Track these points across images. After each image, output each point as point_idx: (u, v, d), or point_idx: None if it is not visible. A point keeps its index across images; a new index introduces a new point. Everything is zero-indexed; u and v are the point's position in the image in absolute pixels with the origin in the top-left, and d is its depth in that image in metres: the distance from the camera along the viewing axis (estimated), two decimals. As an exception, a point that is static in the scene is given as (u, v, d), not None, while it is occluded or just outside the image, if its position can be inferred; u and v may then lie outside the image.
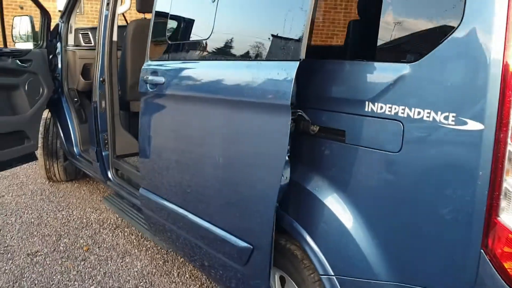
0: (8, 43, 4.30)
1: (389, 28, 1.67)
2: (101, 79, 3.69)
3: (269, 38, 1.89)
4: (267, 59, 1.86)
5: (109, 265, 3.36)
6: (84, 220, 4.12)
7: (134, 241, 3.74)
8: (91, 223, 4.05)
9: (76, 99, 4.65)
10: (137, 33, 3.77)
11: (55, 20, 4.66)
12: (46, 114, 4.79)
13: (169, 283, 3.14)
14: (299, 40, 1.70)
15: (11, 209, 4.31)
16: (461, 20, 1.46)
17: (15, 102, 4.08)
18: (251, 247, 2.00)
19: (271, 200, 1.83)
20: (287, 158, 1.81)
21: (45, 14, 4.48)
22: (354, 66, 1.77)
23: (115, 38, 3.66)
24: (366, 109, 1.71)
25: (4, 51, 3.95)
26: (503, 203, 1.43)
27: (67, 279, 3.16)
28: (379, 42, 1.68)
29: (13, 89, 4.05)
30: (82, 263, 3.38)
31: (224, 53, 2.13)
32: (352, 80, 1.77)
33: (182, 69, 2.38)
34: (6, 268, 3.26)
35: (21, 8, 10.64)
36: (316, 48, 3.83)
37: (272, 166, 1.82)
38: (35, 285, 3.08)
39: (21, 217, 4.14)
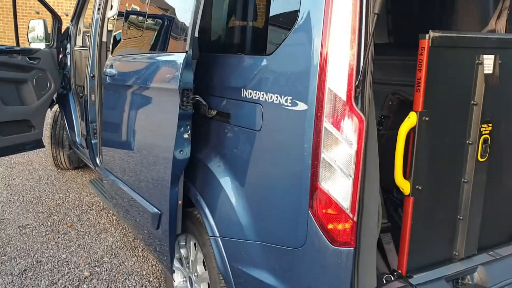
0: (21, 43, 4.86)
1: (257, 27, 1.99)
2: (91, 75, 4.14)
3: (172, 35, 2.25)
4: (169, 52, 2.21)
5: (85, 239, 3.78)
6: (77, 202, 4.58)
7: (114, 221, 4.15)
8: (82, 205, 4.51)
9: (81, 95, 5.15)
10: None
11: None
12: (56, 107, 5.33)
13: (131, 256, 3.52)
14: (186, 36, 2.05)
15: (17, 189, 4.85)
16: (295, 23, 1.76)
17: (23, 94, 4.61)
18: (160, 212, 2.34)
19: (168, 171, 2.17)
20: (187, 136, 2.15)
21: (56, 18, 5.02)
22: (235, 59, 2.10)
23: (104, 39, 4.10)
24: (242, 95, 2.03)
25: (15, 49, 4.49)
26: (322, 171, 1.71)
27: (45, 247, 3.61)
28: (249, 38, 2.00)
29: (22, 83, 4.58)
30: (63, 236, 3.82)
31: (146, 48, 2.52)
32: (233, 70, 2.10)
33: (123, 63, 2.78)
34: (-3, 235, 3.76)
35: (37, 13, 11.44)
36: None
37: (167, 142, 2.16)
38: (17, 250, 3.54)
39: (23, 197, 4.66)
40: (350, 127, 1.66)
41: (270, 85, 1.88)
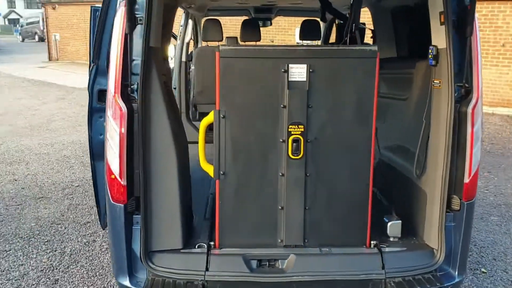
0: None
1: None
2: (174, 87, 5.31)
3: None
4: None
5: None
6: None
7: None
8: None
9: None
10: (200, 57, 5.20)
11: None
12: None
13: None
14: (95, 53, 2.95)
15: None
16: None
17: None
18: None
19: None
20: (107, 124, 3.05)
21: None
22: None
23: (184, 59, 5.25)
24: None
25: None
26: (107, 148, 2.37)
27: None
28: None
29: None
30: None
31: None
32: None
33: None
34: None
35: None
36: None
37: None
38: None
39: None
40: (115, 115, 2.30)
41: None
